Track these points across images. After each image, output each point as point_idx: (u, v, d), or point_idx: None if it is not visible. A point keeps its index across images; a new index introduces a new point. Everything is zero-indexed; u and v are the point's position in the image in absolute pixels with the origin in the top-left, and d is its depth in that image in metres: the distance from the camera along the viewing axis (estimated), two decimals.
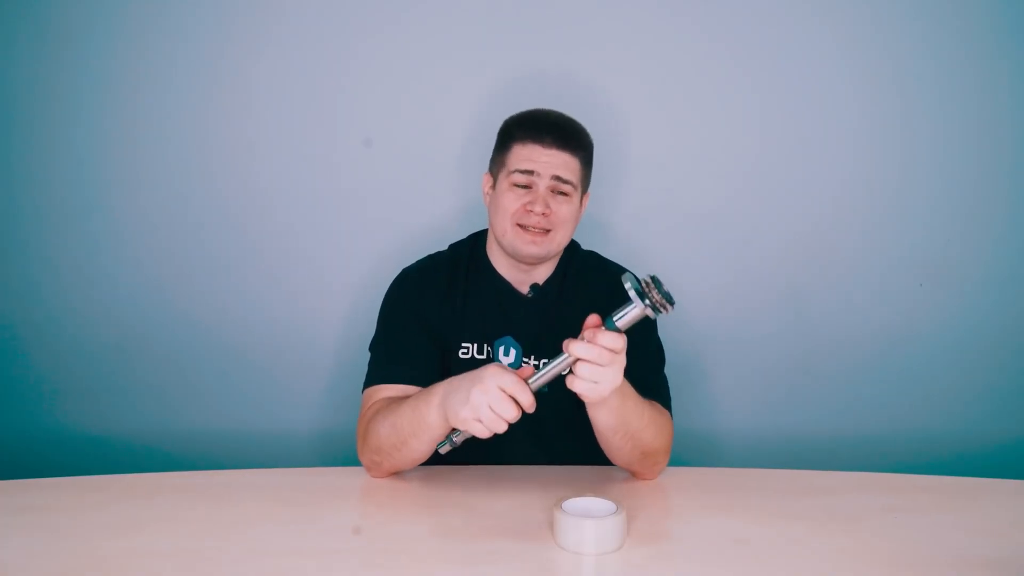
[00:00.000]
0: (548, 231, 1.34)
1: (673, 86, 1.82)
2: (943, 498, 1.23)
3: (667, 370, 1.39)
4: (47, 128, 1.82)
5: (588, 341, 1.04)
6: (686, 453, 1.59)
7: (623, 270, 1.47)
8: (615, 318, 1.05)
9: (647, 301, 1.02)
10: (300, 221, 1.85)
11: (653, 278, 1.03)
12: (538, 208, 1.32)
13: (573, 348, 1.04)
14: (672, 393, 1.37)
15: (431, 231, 1.79)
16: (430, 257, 1.48)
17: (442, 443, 1.11)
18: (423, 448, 1.20)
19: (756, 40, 1.80)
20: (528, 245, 1.34)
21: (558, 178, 1.33)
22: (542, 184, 1.33)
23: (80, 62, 1.80)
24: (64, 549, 1.03)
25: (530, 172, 1.32)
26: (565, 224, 1.35)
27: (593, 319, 1.07)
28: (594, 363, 1.04)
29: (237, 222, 1.85)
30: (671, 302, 1.02)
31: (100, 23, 1.79)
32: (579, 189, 1.37)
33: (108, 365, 1.88)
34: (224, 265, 1.86)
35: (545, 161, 1.32)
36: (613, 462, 1.27)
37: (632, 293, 1.03)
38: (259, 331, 1.87)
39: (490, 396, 1.05)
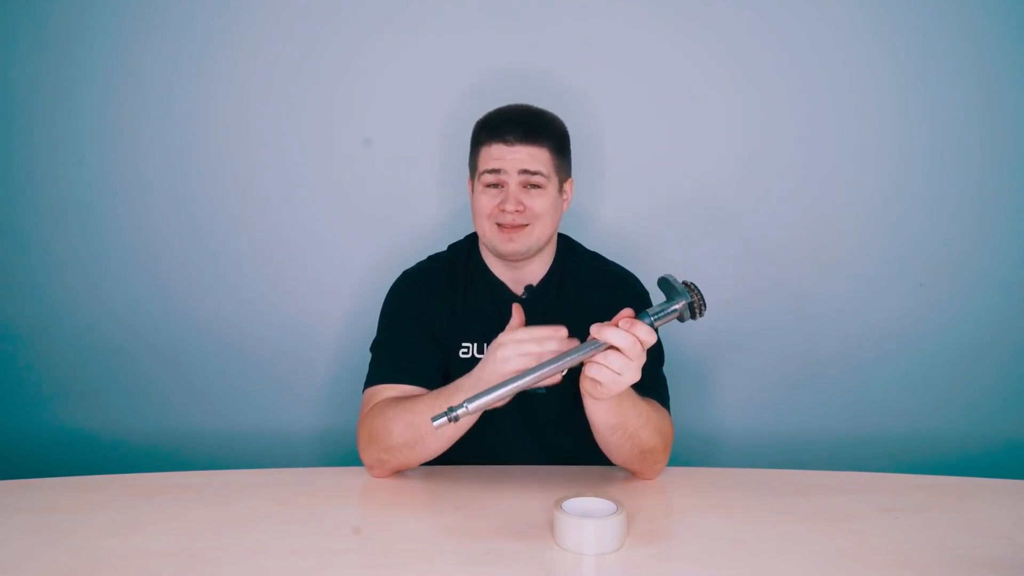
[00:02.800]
0: (525, 226, 1.34)
1: (673, 84, 1.82)
2: (943, 498, 1.23)
3: (667, 370, 1.39)
4: (47, 128, 1.83)
5: (625, 330, 1.03)
6: (686, 453, 1.59)
7: (626, 272, 1.47)
8: (653, 315, 1.05)
9: (691, 299, 1.04)
10: (300, 221, 1.85)
11: (693, 283, 1.06)
12: (509, 206, 1.32)
13: (607, 334, 1.03)
14: (672, 393, 1.37)
15: (431, 231, 1.79)
16: (430, 258, 1.48)
17: (438, 416, 1.01)
18: (438, 444, 1.21)
19: (756, 38, 1.80)
20: (506, 243, 1.34)
21: (526, 171, 1.33)
22: (511, 181, 1.33)
23: (80, 62, 1.80)
24: (64, 549, 1.03)
25: (497, 171, 1.33)
26: (542, 217, 1.35)
27: (627, 311, 1.07)
28: (624, 354, 1.03)
29: (237, 222, 1.85)
30: (705, 306, 1.05)
31: (100, 23, 1.79)
32: (553, 178, 1.36)
33: (108, 365, 1.88)
34: (224, 265, 1.86)
35: (510, 158, 1.33)
36: (612, 461, 1.27)
37: (680, 286, 1.05)
38: (259, 331, 1.87)
39: (518, 342, 1.08)
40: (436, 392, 1.21)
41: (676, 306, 1.05)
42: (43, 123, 1.83)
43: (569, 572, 0.99)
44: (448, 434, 1.19)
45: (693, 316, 1.05)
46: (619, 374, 1.04)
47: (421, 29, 1.80)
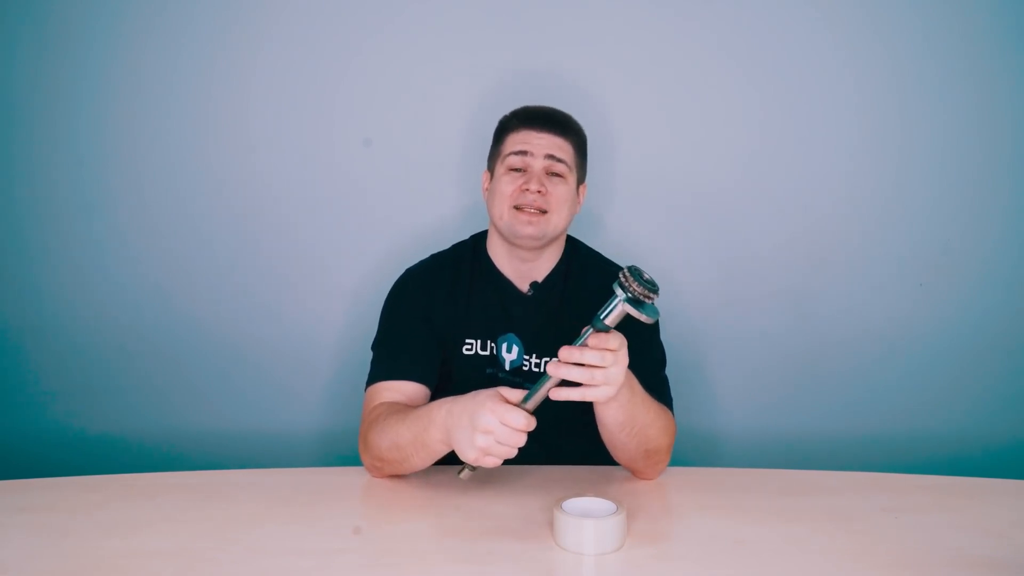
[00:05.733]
0: (544, 212, 1.35)
1: (673, 84, 1.82)
2: (943, 498, 1.23)
3: (668, 370, 1.39)
4: (47, 128, 1.82)
5: (580, 349, 1.02)
6: (686, 453, 1.59)
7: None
8: (603, 318, 1.03)
9: (628, 294, 1.00)
10: (301, 221, 1.85)
11: (631, 268, 1.01)
12: (533, 186, 1.34)
13: (576, 356, 1.02)
14: (673, 393, 1.37)
15: (433, 231, 1.79)
16: (433, 256, 1.49)
17: (461, 470, 1.11)
18: (425, 464, 1.21)
19: (755, 37, 1.80)
20: (525, 226, 1.35)
21: (552, 156, 1.36)
22: (536, 164, 1.36)
23: (80, 62, 1.80)
24: (64, 549, 1.03)
25: (524, 152, 1.37)
26: (561, 206, 1.37)
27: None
28: (597, 367, 1.03)
29: (237, 222, 1.85)
30: (654, 289, 1.00)
31: (100, 23, 1.79)
32: (573, 172, 1.40)
33: (108, 365, 1.88)
34: (224, 265, 1.86)
35: (537, 142, 1.37)
36: (615, 459, 1.27)
37: (616, 288, 1.01)
38: (260, 331, 1.87)
39: (495, 433, 1.04)
40: (417, 417, 1.17)
41: (617, 306, 1.01)
42: (43, 123, 1.82)
43: (569, 572, 0.99)
44: (435, 455, 1.18)
45: (642, 303, 1.00)
46: (603, 384, 1.04)
47: (423, 29, 1.80)
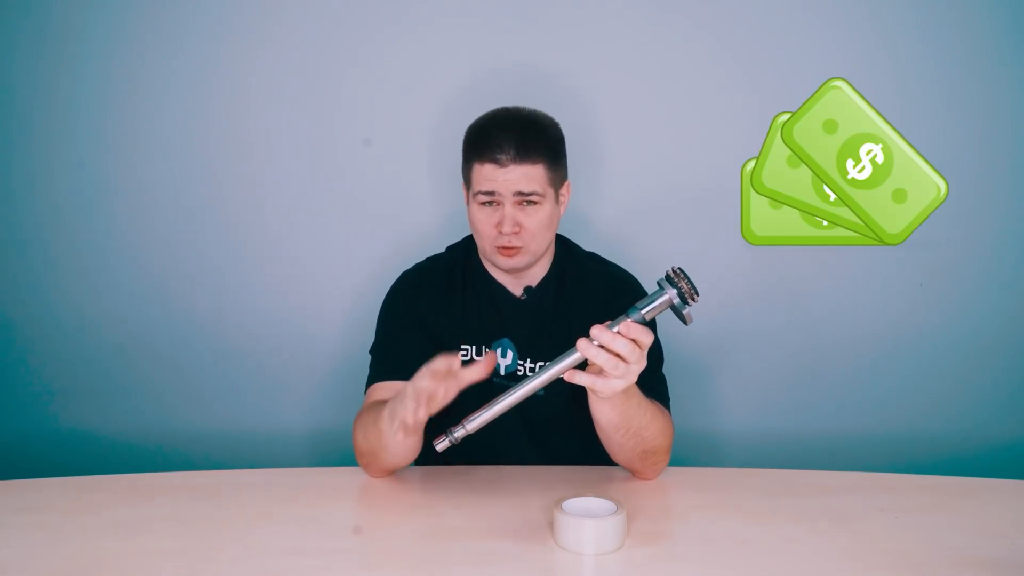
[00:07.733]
0: (520, 247, 1.33)
1: (672, 84, 1.82)
2: (943, 498, 1.23)
3: (667, 370, 1.39)
4: (47, 128, 1.83)
5: (623, 334, 1.02)
6: (686, 453, 1.59)
7: (625, 274, 1.47)
8: (642, 309, 1.04)
9: (676, 290, 1.03)
10: (299, 222, 1.85)
11: (680, 268, 1.04)
12: (506, 228, 1.30)
13: (606, 338, 1.02)
14: (672, 393, 1.37)
15: (430, 232, 1.79)
16: (429, 259, 1.48)
17: (440, 440, 1.09)
18: (393, 460, 1.23)
19: (752, 33, 1.79)
20: (506, 261, 1.34)
21: (520, 193, 1.31)
22: (507, 201, 1.31)
23: (80, 62, 1.80)
24: (64, 549, 1.03)
25: (491, 192, 1.31)
26: (538, 234, 1.33)
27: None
28: (623, 358, 1.03)
29: (236, 222, 1.85)
30: (697, 293, 1.03)
31: (100, 23, 1.79)
32: (549, 192, 1.34)
33: (108, 365, 1.88)
34: (223, 266, 1.86)
35: (504, 179, 1.30)
36: (613, 460, 1.27)
37: (662, 281, 1.04)
38: (259, 331, 1.87)
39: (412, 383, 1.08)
40: (380, 407, 1.19)
41: (662, 298, 1.04)
42: (43, 123, 1.83)
43: (569, 572, 0.99)
44: (403, 447, 1.20)
45: (686, 303, 1.03)
46: (620, 377, 1.04)
47: (418, 29, 1.80)
